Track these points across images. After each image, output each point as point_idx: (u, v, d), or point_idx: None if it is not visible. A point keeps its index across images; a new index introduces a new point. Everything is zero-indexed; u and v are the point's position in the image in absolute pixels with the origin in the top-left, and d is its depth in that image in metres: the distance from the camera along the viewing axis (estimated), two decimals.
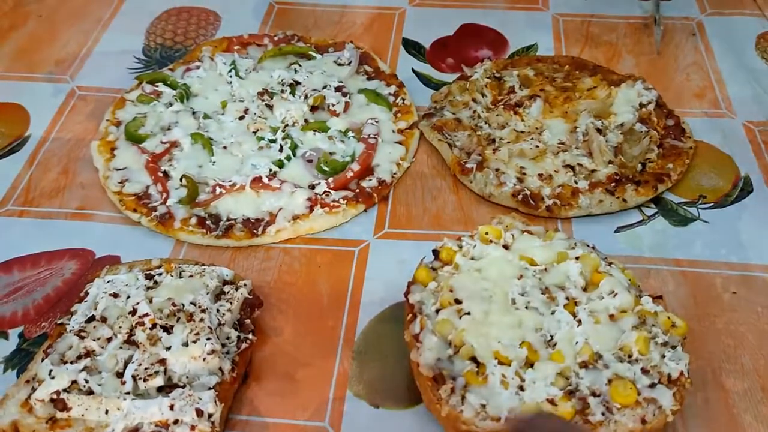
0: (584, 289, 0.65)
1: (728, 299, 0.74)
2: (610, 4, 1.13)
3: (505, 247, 0.68)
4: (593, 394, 0.59)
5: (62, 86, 1.01)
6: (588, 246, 0.69)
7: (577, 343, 0.61)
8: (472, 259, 0.68)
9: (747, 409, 0.65)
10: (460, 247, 0.69)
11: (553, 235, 0.69)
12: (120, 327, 0.65)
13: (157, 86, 0.96)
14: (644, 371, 0.59)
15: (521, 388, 0.59)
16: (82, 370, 0.62)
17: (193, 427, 0.60)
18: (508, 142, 0.87)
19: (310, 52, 1.01)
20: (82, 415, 0.61)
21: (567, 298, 0.64)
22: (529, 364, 0.61)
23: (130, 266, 0.74)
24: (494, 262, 0.67)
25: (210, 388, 0.62)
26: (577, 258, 0.66)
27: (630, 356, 0.60)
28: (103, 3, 1.16)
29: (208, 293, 0.68)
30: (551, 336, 0.62)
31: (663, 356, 0.60)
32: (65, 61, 1.05)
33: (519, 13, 1.13)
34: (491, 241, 0.69)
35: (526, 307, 0.64)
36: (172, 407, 0.60)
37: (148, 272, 0.71)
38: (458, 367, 0.60)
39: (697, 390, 0.66)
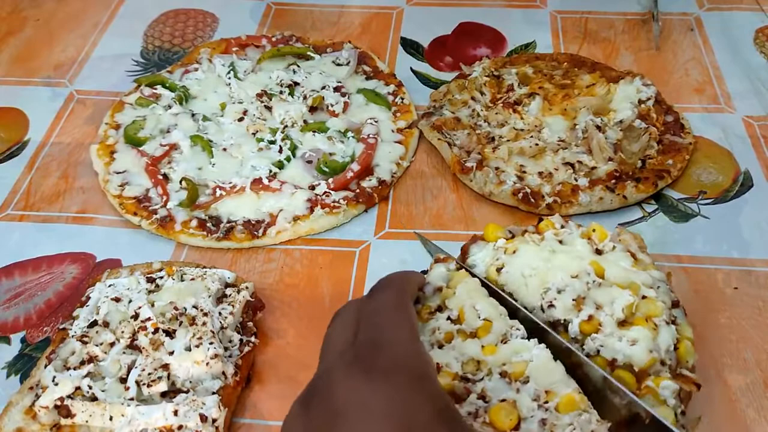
0: (620, 324, 0.61)
1: (730, 294, 0.74)
2: (607, 0, 1.13)
3: (598, 251, 0.67)
4: (482, 397, 0.57)
5: (61, 90, 1.01)
6: (670, 298, 0.64)
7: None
8: (560, 242, 0.68)
9: (750, 403, 0.65)
10: (562, 227, 0.70)
11: (650, 268, 0.66)
12: (122, 332, 0.65)
13: (155, 89, 0.96)
14: (543, 422, 0.55)
15: (440, 346, 0.61)
16: (86, 376, 0.63)
17: None
18: (508, 141, 0.87)
19: (309, 53, 1.01)
20: (87, 422, 0.61)
21: (590, 317, 0.61)
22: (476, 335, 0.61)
23: (132, 270, 0.74)
24: (569, 252, 0.66)
25: (213, 393, 0.62)
26: (643, 297, 0.62)
27: (546, 403, 0.56)
28: (101, 7, 1.16)
29: (209, 296, 0.68)
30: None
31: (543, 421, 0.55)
32: (63, 66, 1.05)
33: (517, 11, 1.13)
34: (590, 238, 0.68)
35: (551, 305, 0.63)
36: (176, 413, 0.60)
37: (149, 275, 0.71)
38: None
39: None
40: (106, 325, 0.66)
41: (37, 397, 0.62)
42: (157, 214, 0.81)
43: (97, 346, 0.65)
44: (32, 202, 0.86)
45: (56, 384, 0.62)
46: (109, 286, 0.70)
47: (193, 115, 0.92)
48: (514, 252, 0.67)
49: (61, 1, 1.18)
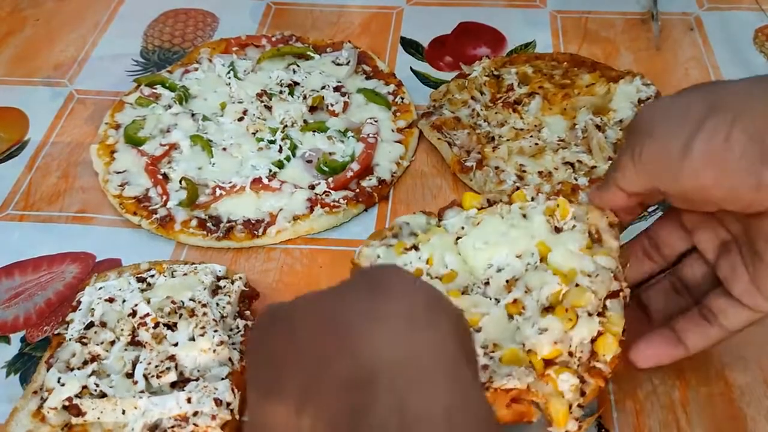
0: (546, 310, 0.60)
1: None
2: (607, 0, 1.13)
3: (558, 229, 0.65)
4: None
5: (61, 90, 1.01)
6: (608, 288, 0.61)
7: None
8: (525, 216, 0.66)
9: (750, 403, 0.65)
10: (532, 198, 0.67)
11: (603, 253, 0.63)
12: (122, 330, 0.65)
13: (155, 89, 0.96)
14: (484, 367, 0.56)
15: None
16: (91, 374, 0.63)
17: (213, 417, 0.60)
18: (508, 140, 0.87)
19: (309, 53, 1.01)
20: (98, 419, 0.61)
21: (516, 300, 0.60)
22: None
23: (120, 272, 0.74)
24: (525, 228, 0.64)
25: (223, 379, 0.63)
26: (576, 285, 0.60)
27: (492, 353, 0.57)
28: (101, 7, 1.16)
29: (205, 289, 0.69)
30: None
31: None
32: (63, 65, 1.05)
33: (517, 10, 1.13)
34: (553, 215, 0.65)
35: (487, 282, 0.62)
36: (189, 400, 0.60)
37: (139, 276, 0.72)
38: None
39: (700, 385, 0.66)
40: (103, 325, 0.66)
41: (43, 400, 0.62)
42: (157, 214, 0.82)
43: (97, 345, 0.65)
44: (32, 202, 0.86)
45: (62, 385, 0.61)
46: (100, 288, 0.70)
47: (193, 114, 0.92)
48: (478, 223, 0.66)
49: (61, 1, 1.18)
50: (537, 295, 0.60)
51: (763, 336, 0.70)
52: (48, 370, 0.64)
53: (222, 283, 0.71)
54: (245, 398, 0.65)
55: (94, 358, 0.64)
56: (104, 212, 0.84)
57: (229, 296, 0.70)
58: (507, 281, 0.62)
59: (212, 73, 0.99)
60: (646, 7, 1.11)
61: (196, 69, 1.00)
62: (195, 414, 0.60)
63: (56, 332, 0.69)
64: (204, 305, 0.66)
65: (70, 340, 0.66)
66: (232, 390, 0.62)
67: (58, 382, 0.62)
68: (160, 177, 0.85)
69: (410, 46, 1.07)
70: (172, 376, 0.62)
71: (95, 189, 0.86)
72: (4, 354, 0.71)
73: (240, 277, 0.72)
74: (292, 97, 0.94)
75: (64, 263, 0.79)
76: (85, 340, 0.65)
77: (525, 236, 0.64)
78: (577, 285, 0.61)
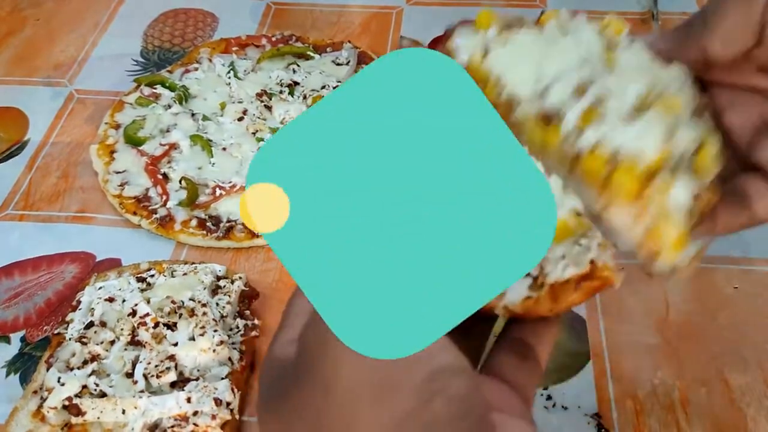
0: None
1: (730, 294, 0.74)
2: (607, 0, 1.13)
3: (612, 46, 0.51)
4: None
5: (61, 90, 1.01)
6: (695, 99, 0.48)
7: None
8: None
9: (750, 403, 0.65)
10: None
11: (678, 67, 0.49)
12: (122, 329, 0.65)
13: (155, 89, 0.96)
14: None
15: None
16: (91, 374, 0.63)
17: (213, 416, 0.60)
18: None
19: (309, 53, 1.01)
20: (98, 418, 0.61)
21: (590, 109, 0.46)
22: None
23: (119, 272, 0.75)
24: (569, 42, 0.51)
25: (223, 378, 0.63)
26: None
27: None
28: (101, 6, 1.16)
29: (205, 288, 0.69)
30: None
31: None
32: (63, 65, 1.05)
33: (516, 11, 1.13)
34: (603, 32, 0.53)
35: (544, 93, 0.48)
36: (189, 400, 0.61)
37: (139, 275, 0.72)
38: None
39: (700, 385, 0.66)
40: (103, 325, 0.66)
41: (43, 399, 0.62)
42: (156, 214, 0.82)
43: (97, 345, 0.65)
44: (32, 201, 0.86)
45: (62, 384, 0.62)
46: (99, 288, 0.70)
47: (192, 114, 0.92)
48: (506, 40, 0.52)
49: (61, 1, 1.18)
50: (620, 100, 0.47)
51: (764, 336, 0.70)
52: (48, 369, 0.64)
53: (222, 282, 0.71)
54: (245, 398, 0.65)
55: (94, 358, 0.64)
56: (104, 212, 0.84)
57: (229, 296, 0.70)
58: (575, 87, 0.47)
59: (212, 73, 0.99)
60: (646, 7, 1.11)
61: (196, 69, 1.00)
62: (195, 414, 0.60)
63: (56, 332, 0.69)
64: (204, 305, 0.67)
65: (70, 339, 0.66)
66: (232, 390, 0.62)
67: (58, 381, 0.62)
68: (160, 177, 0.85)
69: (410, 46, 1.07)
70: (172, 376, 0.62)
71: (95, 189, 0.86)
72: (4, 354, 0.71)
73: (240, 277, 0.72)
74: (292, 97, 0.94)
75: (64, 263, 0.79)
76: (85, 340, 0.65)
77: (578, 45, 0.52)
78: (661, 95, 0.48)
